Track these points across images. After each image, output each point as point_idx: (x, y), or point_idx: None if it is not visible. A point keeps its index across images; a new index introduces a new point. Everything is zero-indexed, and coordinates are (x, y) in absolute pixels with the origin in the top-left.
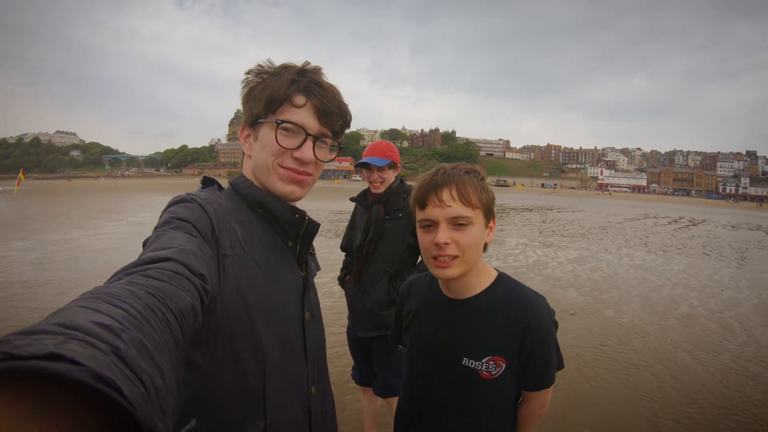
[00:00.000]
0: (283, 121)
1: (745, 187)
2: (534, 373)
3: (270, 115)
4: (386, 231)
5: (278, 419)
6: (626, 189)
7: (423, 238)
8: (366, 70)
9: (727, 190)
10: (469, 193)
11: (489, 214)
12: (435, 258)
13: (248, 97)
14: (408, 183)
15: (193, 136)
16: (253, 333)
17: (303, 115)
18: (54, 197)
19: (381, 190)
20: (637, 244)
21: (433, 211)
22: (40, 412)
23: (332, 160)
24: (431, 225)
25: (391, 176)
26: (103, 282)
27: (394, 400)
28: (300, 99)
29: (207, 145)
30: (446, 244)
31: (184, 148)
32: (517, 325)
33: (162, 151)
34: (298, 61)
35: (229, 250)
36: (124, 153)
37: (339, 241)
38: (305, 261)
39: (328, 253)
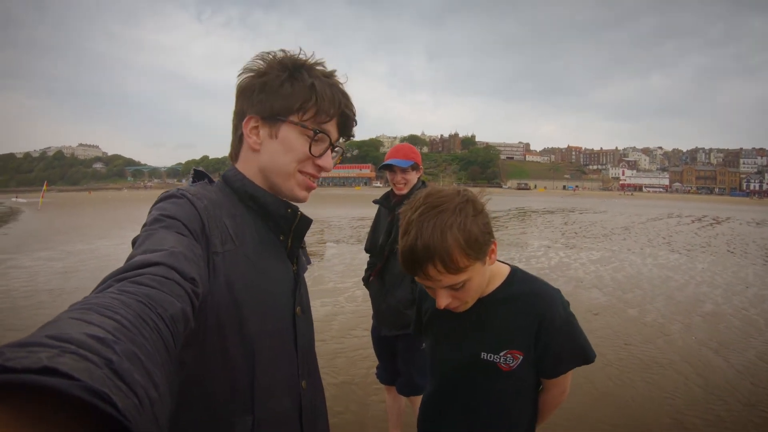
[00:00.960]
0: (319, 131)
1: None
2: (550, 362)
3: (295, 116)
4: None
5: (267, 414)
6: (660, 189)
7: (430, 292)
8: (383, 76)
9: (751, 187)
10: (456, 260)
11: (485, 253)
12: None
13: (264, 87)
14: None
15: (213, 146)
16: (243, 328)
17: (332, 123)
18: (78, 209)
19: (405, 191)
20: (660, 243)
21: (425, 282)
22: (34, 426)
23: (338, 164)
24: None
25: (414, 178)
26: None
27: (418, 399)
28: (332, 109)
29: (227, 155)
30: (447, 304)
31: (205, 158)
32: (532, 318)
33: (183, 162)
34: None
35: (220, 247)
36: (146, 165)
37: (360, 246)
38: (296, 255)
39: (351, 259)
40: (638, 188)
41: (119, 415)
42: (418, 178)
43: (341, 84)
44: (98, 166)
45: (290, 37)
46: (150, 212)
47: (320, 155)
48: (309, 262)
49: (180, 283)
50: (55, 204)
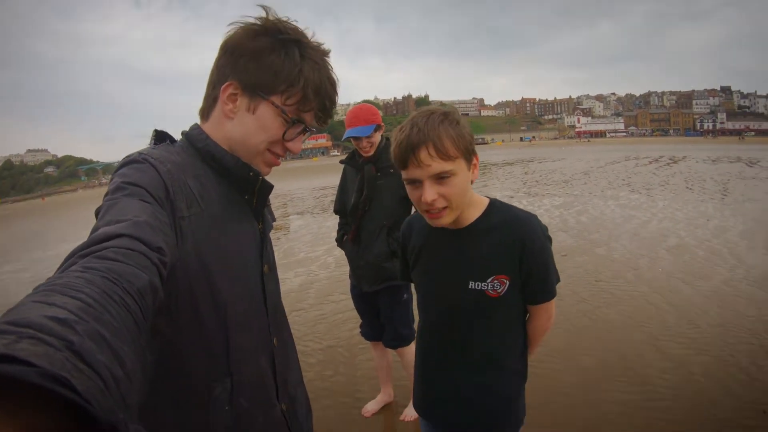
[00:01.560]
0: (297, 120)
1: (722, 122)
2: (536, 286)
3: (277, 97)
4: (379, 187)
5: (244, 375)
6: (624, 133)
7: (412, 193)
8: (331, 44)
9: (705, 127)
10: (446, 146)
11: (470, 155)
12: (427, 211)
13: (253, 55)
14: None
15: (168, 131)
16: (214, 292)
17: (311, 113)
18: (36, 217)
19: (371, 153)
20: (621, 185)
21: (414, 171)
22: None
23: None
24: (416, 182)
25: (377, 138)
26: None
27: (405, 350)
28: (316, 99)
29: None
30: (433, 200)
31: None
32: (514, 242)
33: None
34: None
35: (186, 211)
36: (98, 162)
37: (327, 216)
38: (261, 214)
39: (318, 228)
40: (601, 134)
41: (80, 398)
42: (381, 136)
43: (332, 70)
44: (50, 170)
45: (234, 13)
46: (111, 180)
47: (292, 139)
48: (274, 219)
49: (146, 254)
50: (9, 215)
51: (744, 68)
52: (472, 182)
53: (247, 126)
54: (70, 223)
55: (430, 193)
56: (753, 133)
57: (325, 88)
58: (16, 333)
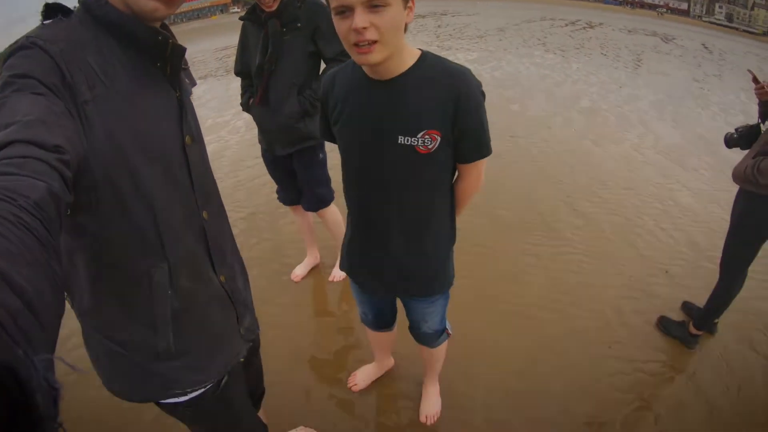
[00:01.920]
0: None
1: None
2: (469, 143)
3: None
4: (286, 44)
5: (179, 254)
6: None
7: (340, 26)
8: None
9: None
10: None
11: None
12: (355, 45)
13: None
14: None
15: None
16: (135, 176)
17: None
18: None
19: (274, 8)
20: (536, 44)
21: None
22: None
23: None
24: (346, 11)
25: None
26: None
27: (326, 212)
28: None
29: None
30: (364, 28)
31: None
32: (448, 95)
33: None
34: None
35: (89, 93)
36: None
37: (231, 78)
38: (178, 80)
39: (223, 91)
40: None
41: None
42: None
43: None
44: None
45: None
46: (0, 73)
47: None
48: (194, 83)
49: (41, 157)
50: None
51: None
52: (405, 27)
53: None
54: None
55: (361, 19)
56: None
57: None
58: None
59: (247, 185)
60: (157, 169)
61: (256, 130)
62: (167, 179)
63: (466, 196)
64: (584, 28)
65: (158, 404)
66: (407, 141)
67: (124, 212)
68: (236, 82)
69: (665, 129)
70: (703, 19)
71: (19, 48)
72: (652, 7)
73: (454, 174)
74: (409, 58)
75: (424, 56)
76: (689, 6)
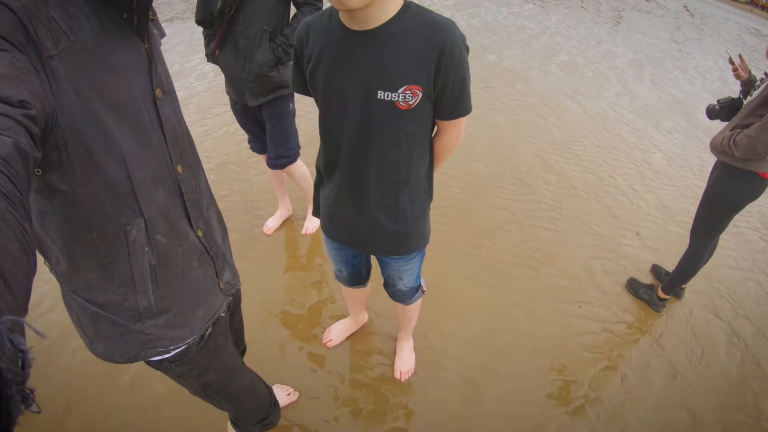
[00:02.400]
0: None
1: None
2: (451, 99)
3: None
4: None
5: (154, 209)
6: None
7: None
8: None
9: None
10: None
11: None
12: None
13: None
14: None
15: None
16: (105, 132)
17: None
18: None
19: None
20: None
21: None
22: None
23: None
24: None
25: None
26: None
27: (293, 167)
28: None
29: None
30: None
31: None
32: (431, 49)
33: None
34: None
35: (53, 48)
36: None
37: (194, 17)
38: (146, 31)
39: (190, 35)
40: None
41: None
42: None
43: None
44: None
45: None
46: None
47: None
48: (163, 35)
49: (6, 113)
50: None
51: None
52: None
53: None
54: None
55: None
56: None
57: None
58: None
59: (215, 134)
60: (127, 123)
61: (224, 76)
62: (138, 134)
63: (445, 152)
64: None
65: (147, 362)
66: (387, 96)
67: (95, 169)
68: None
69: (642, 89)
70: None
71: None
72: None
73: (433, 129)
74: (391, 8)
75: (407, 6)
76: None
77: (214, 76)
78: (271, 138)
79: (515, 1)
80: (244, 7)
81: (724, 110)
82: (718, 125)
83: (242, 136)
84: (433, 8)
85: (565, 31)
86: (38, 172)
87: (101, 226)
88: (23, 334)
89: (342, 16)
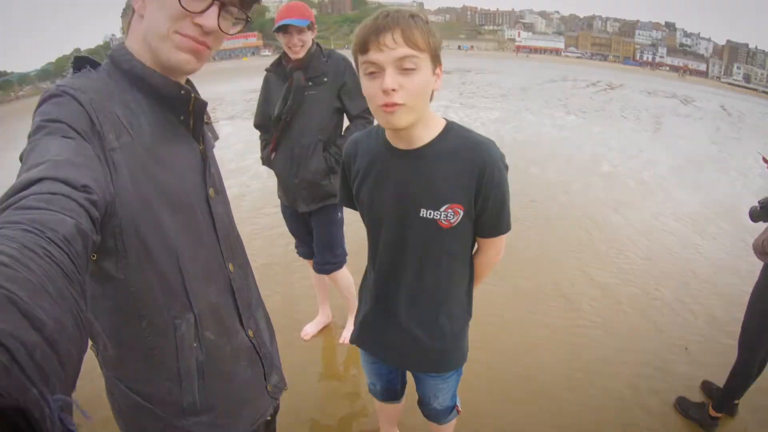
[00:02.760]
0: None
1: (662, 57)
2: (491, 218)
3: None
4: (309, 98)
5: (204, 306)
6: (579, 53)
7: (368, 86)
8: None
9: (644, 58)
10: (415, 35)
11: (436, 59)
12: (382, 106)
13: None
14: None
15: (84, 35)
16: (160, 225)
17: None
18: None
19: (301, 54)
20: (557, 105)
21: (377, 56)
22: None
23: (236, 34)
24: (376, 71)
25: (309, 39)
26: None
27: (338, 275)
28: None
29: (101, 43)
30: (393, 90)
31: (77, 50)
32: (472, 169)
33: (54, 60)
34: None
35: (115, 141)
36: (12, 72)
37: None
38: (201, 133)
39: (249, 135)
40: (541, 51)
41: None
42: (313, 40)
43: None
44: None
45: None
46: (33, 119)
47: (200, 12)
48: (216, 138)
49: (70, 195)
50: None
51: (690, 9)
52: (432, 95)
53: (152, 11)
54: None
55: (391, 80)
56: (687, 72)
57: None
58: None
59: (264, 234)
60: (181, 218)
61: (277, 181)
62: (191, 230)
63: (485, 270)
64: (605, 89)
65: None
66: (430, 215)
67: (149, 260)
68: None
69: (684, 195)
70: (722, 80)
71: (51, 96)
72: (673, 68)
73: (473, 247)
74: (434, 128)
75: (450, 127)
76: (707, 67)
77: (267, 177)
78: (318, 244)
79: (558, 114)
80: (300, 116)
81: (764, 211)
82: (763, 227)
83: (289, 238)
84: (479, 122)
85: (606, 142)
86: (93, 256)
87: (150, 317)
88: (71, 413)
89: (388, 135)
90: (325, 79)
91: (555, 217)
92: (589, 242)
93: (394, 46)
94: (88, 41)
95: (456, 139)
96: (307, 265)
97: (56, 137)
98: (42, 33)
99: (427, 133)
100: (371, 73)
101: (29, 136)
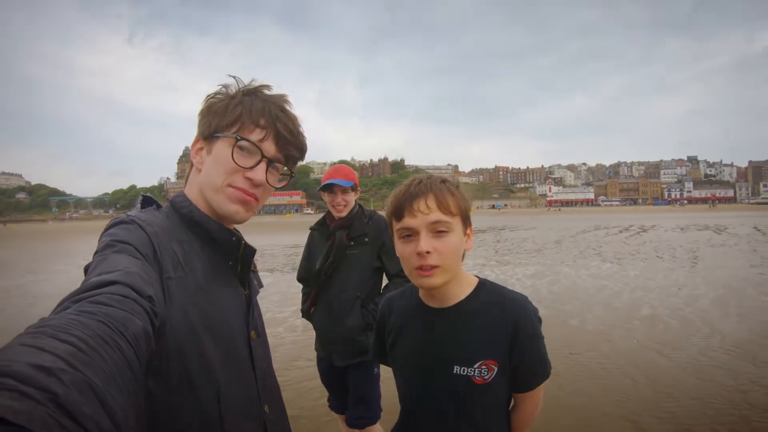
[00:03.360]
0: (241, 138)
1: (689, 191)
2: (526, 373)
3: (229, 131)
4: (351, 257)
5: None
6: (617, 201)
7: (403, 249)
8: (314, 102)
9: (672, 195)
10: (447, 200)
11: (466, 221)
12: (418, 268)
13: (208, 111)
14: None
15: (142, 175)
16: (204, 356)
17: (262, 136)
18: (3, 242)
19: (344, 213)
20: (592, 254)
21: (411, 221)
22: None
23: (281, 187)
24: (411, 235)
25: (353, 199)
26: None
27: (372, 429)
28: (262, 121)
29: (156, 183)
30: (428, 252)
31: (132, 188)
32: (505, 325)
33: (111, 192)
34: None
35: (172, 272)
36: (71, 195)
37: (295, 274)
38: (247, 279)
39: (287, 287)
40: (572, 203)
41: None
42: (356, 201)
43: (284, 103)
44: (21, 196)
45: (223, 62)
46: (100, 239)
47: (250, 168)
48: (261, 285)
49: (138, 301)
50: None
51: (710, 139)
52: (463, 255)
53: (208, 167)
54: (37, 254)
55: (426, 243)
56: (716, 201)
57: (271, 109)
58: None
59: (294, 386)
60: (224, 354)
61: (312, 332)
62: (233, 366)
63: (522, 425)
64: (638, 232)
65: None
66: (463, 371)
67: (189, 387)
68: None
69: (730, 325)
70: (750, 201)
71: (120, 222)
72: (700, 201)
73: (509, 402)
74: (467, 286)
75: (482, 284)
76: (735, 192)
77: (302, 331)
78: (353, 398)
79: (593, 263)
80: (341, 272)
81: None
82: None
83: (319, 392)
84: (515, 278)
85: (644, 284)
86: None
87: None
88: None
89: (422, 294)
90: (366, 239)
91: (597, 368)
92: (634, 389)
93: (427, 212)
94: (144, 180)
95: (488, 296)
96: (336, 421)
97: (125, 255)
98: (103, 165)
99: (460, 291)
100: (406, 236)
101: (96, 252)
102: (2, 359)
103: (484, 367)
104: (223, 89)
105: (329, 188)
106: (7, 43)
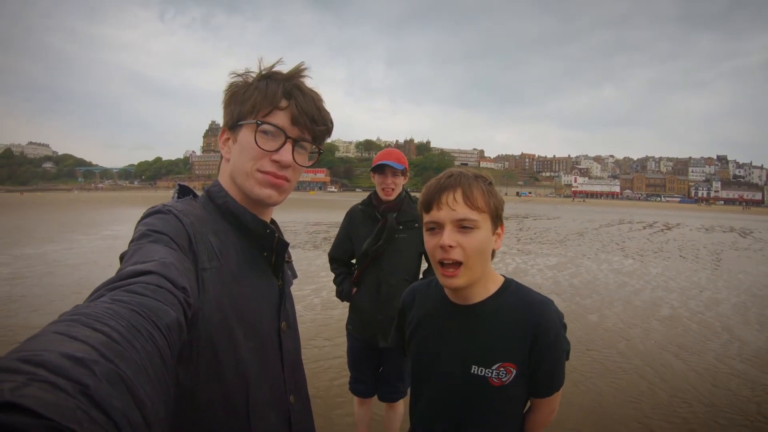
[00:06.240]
0: (262, 122)
1: (716, 191)
2: (544, 378)
3: (251, 118)
4: (399, 241)
5: (262, 431)
6: (645, 195)
7: (429, 241)
8: (341, 82)
9: (699, 194)
10: (475, 196)
11: (497, 219)
12: (441, 265)
13: (231, 100)
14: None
15: (168, 148)
16: (234, 346)
17: (283, 117)
18: (27, 210)
19: (392, 196)
20: (614, 249)
21: (438, 214)
22: None
23: (311, 165)
24: (436, 228)
25: (401, 183)
26: (77, 297)
27: (398, 404)
28: (282, 102)
29: (182, 157)
30: (451, 246)
31: (158, 160)
32: (527, 329)
33: (136, 163)
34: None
35: (207, 263)
36: (97, 165)
37: (318, 252)
38: (281, 270)
39: (307, 265)
40: (597, 195)
41: None
42: (403, 186)
43: (302, 81)
44: (48, 165)
45: (252, 40)
46: (136, 228)
47: (275, 150)
48: (295, 276)
49: (172, 291)
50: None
51: (740, 139)
52: (493, 254)
53: (236, 155)
54: (59, 223)
55: (449, 237)
56: (746, 203)
57: (288, 89)
58: (27, 374)
59: (309, 366)
60: (254, 344)
61: (331, 311)
62: (262, 356)
63: (537, 429)
64: (662, 230)
65: None
66: (481, 372)
67: (218, 376)
68: (321, 260)
69: (750, 333)
70: None
71: (157, 211)
72: (728, 201)
73: (525, 406)
74: (492, 285)
75: (507, 284)
76: (763, 195)
77: (321, 309)
78: (390, 375)
79: (615, 258)
80: (390, 256)
81: None
82: None
83: (335, 372)
84: (536, 268)
85: (665, 284)
86: None
87: (208, 430)
88: None
89: (446, 289)
90: (416, 225)
91: (613, 366)
92: (648, 391)
93: (454, 206)
94: (169, 153)
95: (512, 298)
96: (350, 403)
97: (161, 245)
98: (129, 138)
99: (484, 290)
100: (432, 228)
101: (132, 241)
102: (35, 348)
103: (502, 369)
104: (241, 77)
105: (381, 169)
106: (34, 18)
